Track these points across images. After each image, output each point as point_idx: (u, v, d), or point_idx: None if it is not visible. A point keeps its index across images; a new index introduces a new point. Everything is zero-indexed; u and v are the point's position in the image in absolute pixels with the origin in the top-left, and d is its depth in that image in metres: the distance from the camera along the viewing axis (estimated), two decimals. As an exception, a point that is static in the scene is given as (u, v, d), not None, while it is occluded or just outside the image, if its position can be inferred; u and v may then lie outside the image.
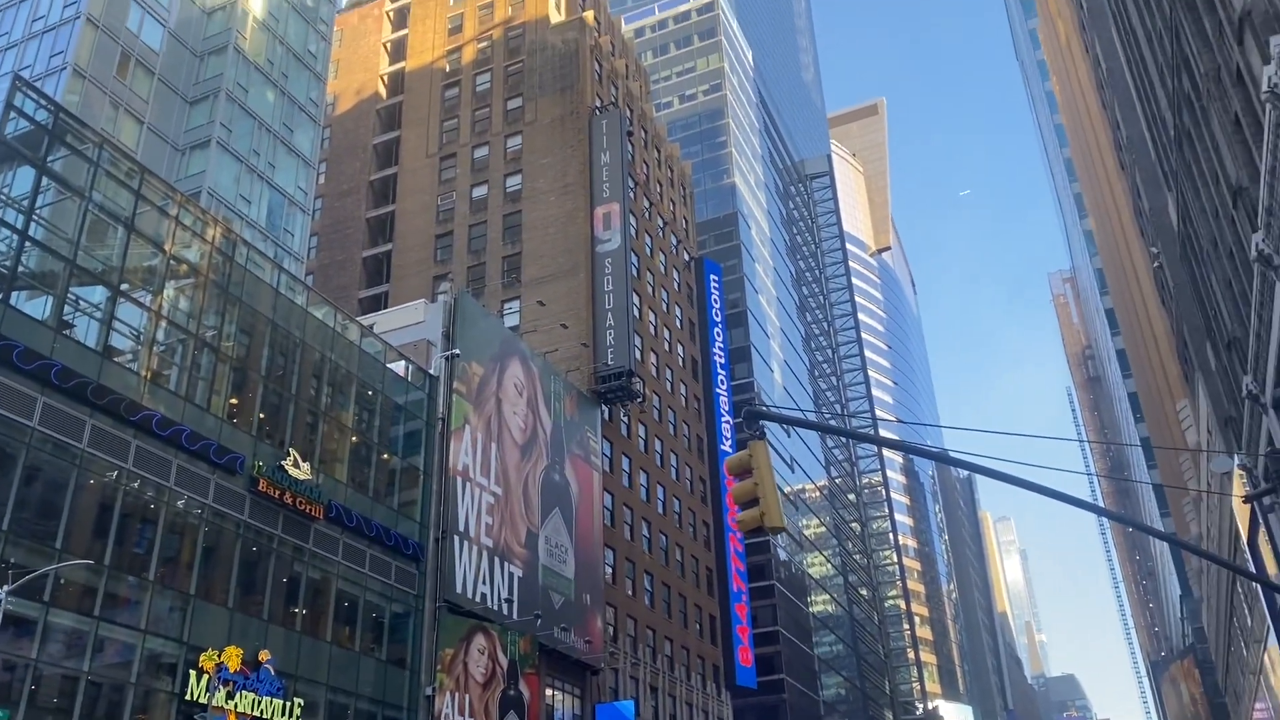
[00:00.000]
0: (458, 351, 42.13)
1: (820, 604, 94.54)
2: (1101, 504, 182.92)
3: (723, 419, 73.17)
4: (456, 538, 39.12)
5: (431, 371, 41.17)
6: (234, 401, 31.70)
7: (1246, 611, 36.32)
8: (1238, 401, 24.61)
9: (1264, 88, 14.63)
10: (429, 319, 43.70)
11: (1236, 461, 25.98)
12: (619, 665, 49.96)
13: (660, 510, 60.41)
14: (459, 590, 38.47)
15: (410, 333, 42.77)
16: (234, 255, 32.80)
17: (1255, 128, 16.48)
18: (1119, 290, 69.01)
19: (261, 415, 32.61)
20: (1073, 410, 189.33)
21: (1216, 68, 18.39)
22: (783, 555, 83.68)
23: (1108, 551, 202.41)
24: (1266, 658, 33.76)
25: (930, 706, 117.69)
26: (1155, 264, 35.32)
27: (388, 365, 39.33)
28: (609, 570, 52.00)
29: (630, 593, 54.01)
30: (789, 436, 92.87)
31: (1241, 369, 22.78)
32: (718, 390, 73.67)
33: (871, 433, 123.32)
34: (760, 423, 9.55)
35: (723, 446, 72.15)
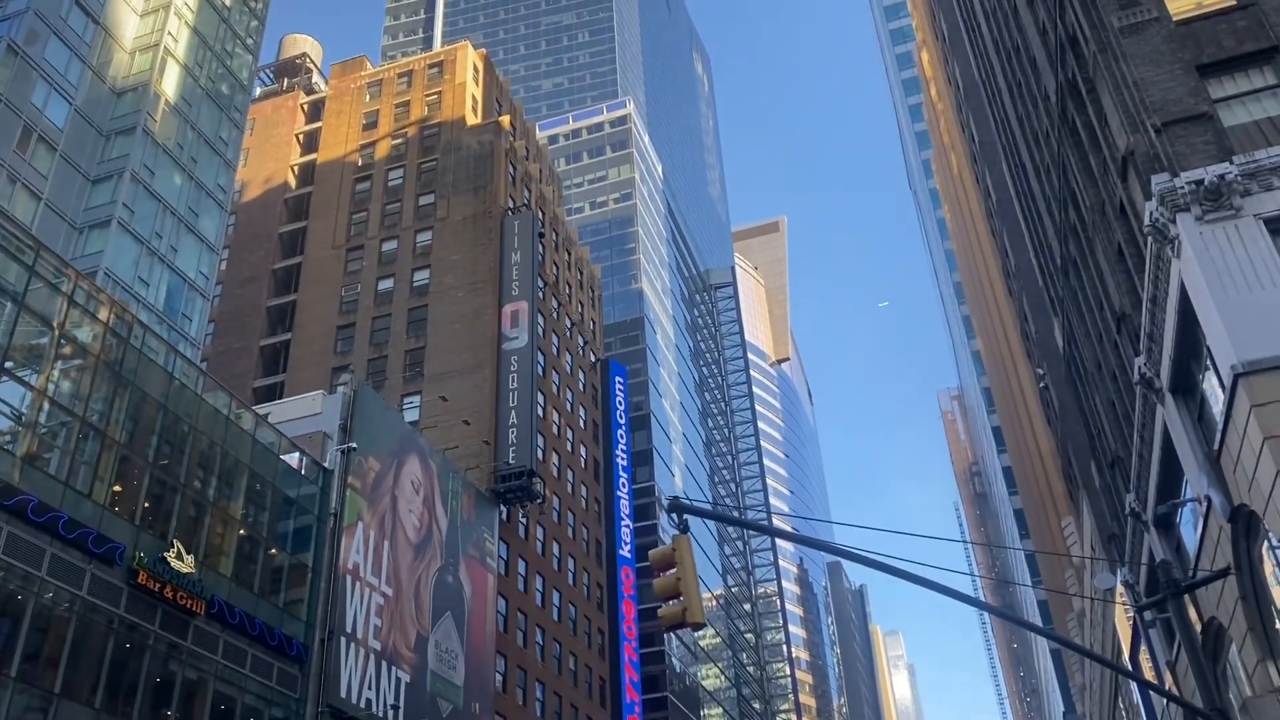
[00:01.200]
0: (354, 445, 41.21)
1: (713, 717, 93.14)
2: (989, 622, 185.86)
3: (622, 523, 72.72)
4: (343, 639, 37.63)
5: (326, 465, 40.11)
6: (117, 489, 30.29)
7: (1130, 728, 37.11)
8: (1120, 519, 25.62)
9: (1145, 221, 15.70)
10: (326, 410, 42.76)
11: (1119, 577, 26.88)
12: (506, 778, 48.15)
13: (555, 617, 59.25)
14: (344, 695, 36.83)
15: (306, 424, 41.72)
16: (128, 337, 31.78)
17: (1137, 258, 17.59)
18: (1005, 409, 71.65)
19: (146, 504, 31.20)
20: (960, 524, 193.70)
21: (1101, 201, 19.68)
22: (677, 666, 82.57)
23: (993, 668, 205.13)
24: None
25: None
26: (1041, 384, 36.98)
27: (281, 457, 38.21)
28: (499, 678, 50.50)
29: (521, 702, 52.44)
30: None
31: (1124, 487, 23.79)
32: (619, 493, 73.37)
33: (780, 528, 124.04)
34: (685, 517, 9.60)
35: (621, 551, 71.54)
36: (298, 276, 66.72)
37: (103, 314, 31.14)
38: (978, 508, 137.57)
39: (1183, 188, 15.03)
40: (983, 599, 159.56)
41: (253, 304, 66.05)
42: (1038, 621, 78.00)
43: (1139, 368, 18.33)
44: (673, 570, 8.86)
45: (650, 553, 9.33)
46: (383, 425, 44.68)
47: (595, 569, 67.76)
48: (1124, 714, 37.52)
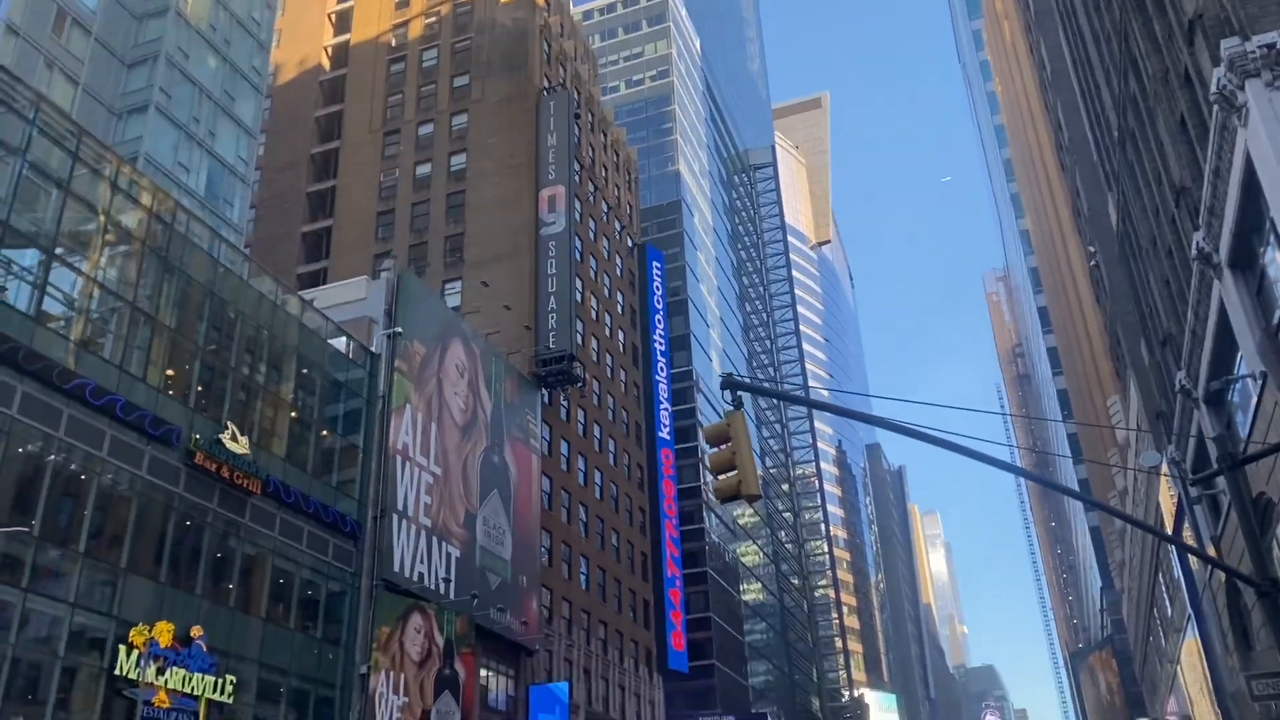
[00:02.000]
0: (399, 330, 41.62)
1: (752, 592, 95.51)
2: (1026, 502, 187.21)
3: (661, 406, 73.41)
4: (395, 516, 38.72)
5: (373, 349, 40.63)
6: (170, 373, 30.92)
7: (1167, 602, 37.53)
8: (1169, 397, 25.38)
9: (1212, 89, 15.06)
10: (371, 296, 43.10)
11: (1166, 455, 26.79)
12: (553, 647, 49.96)
13: (598, 495, 60.47)
14: (396, 569, 38.10)
15: (351, 309, 42.14)
16: (172, 223, 31.95)
17: (1200, 129, 16.95)
18: (1053, 289, 70.61)
19: (199, 388, 31.87)
20: (1002, 406, 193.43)
21: (1165, 70, 18.88)
22: (717, 543, 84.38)
23: (1031, 546, 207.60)
24: (1184, 649, 34.93)
25: (856, 694, 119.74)
26: (1092, 263, 36.23)
27: (328, 341, 38.70)
28: (545, 553, 51.92)
29: (566, 576, 54.01)
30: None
31: (1175, 365, 23.49)
32: (657, 378, 73.87)
33: (826, 402, 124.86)
34: (738, 394, 9.63)
35: (661, 434, 72.42)
36: (336, 161, 66.43)
37: (146, 199, 31.26)
38: (1020, 389, 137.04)
39: (1253, 52, 14.34)
40: (1023, 485, 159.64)
41: (293, 189, 66.05)
42: (1078, 504, 78.44)
43: (1197, 242, 17.86)
44: (727, 444, 8.94)
45: (704, 428, 9.41)
46: (426, 310, 44.99)
47: (635, 450, 68.75)
48: (1164, 589, 37.89)
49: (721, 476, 8.92)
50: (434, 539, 40.98)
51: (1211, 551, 23.91)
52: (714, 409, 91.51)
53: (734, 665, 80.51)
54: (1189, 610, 30.50)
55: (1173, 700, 43.40)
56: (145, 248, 30.69)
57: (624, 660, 58.56)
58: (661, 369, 74.73)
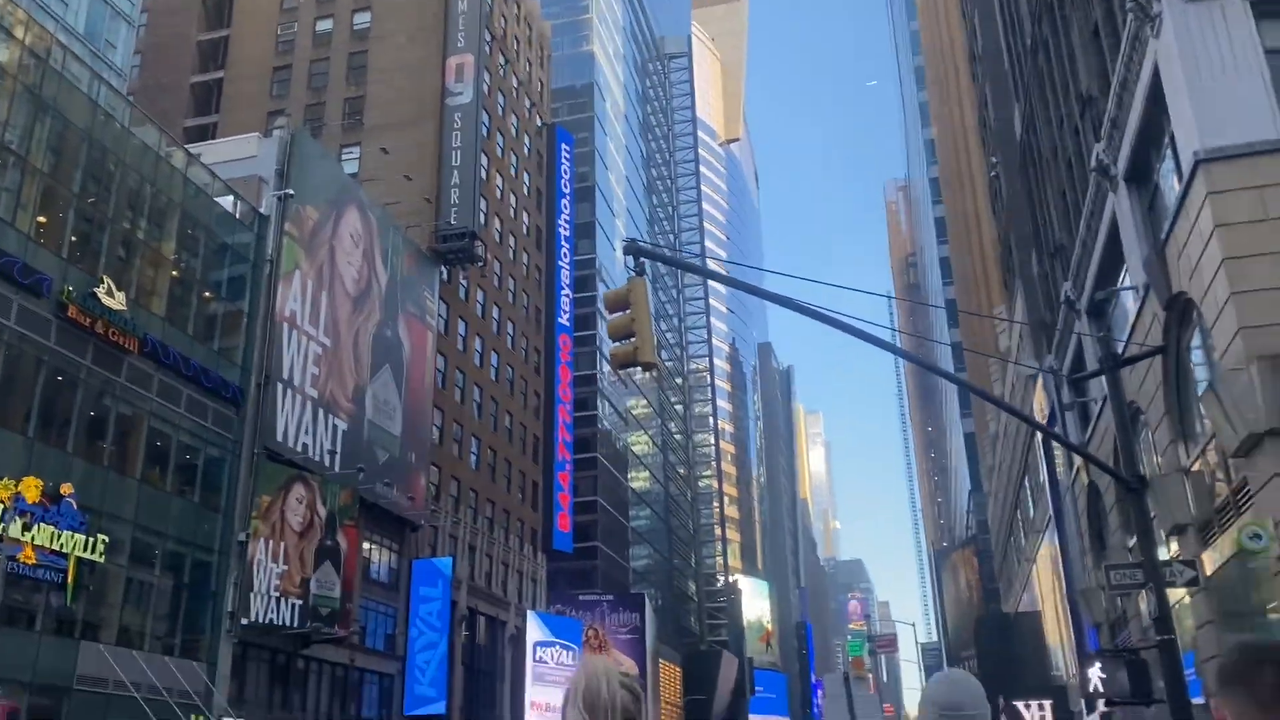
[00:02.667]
0: (291, 192, 39.99)
1: (640, 481, 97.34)
2: (906, 408, 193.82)
3: (562, 292, 73.00)
4: (280, 385, 37.85)
5: (262, 210, 39.01)
6: (42, 220, 29.18)
7: (1031, 505, 39.59)
8: (1054, 308, 26.23)
9: (1129, -2, 15.09)
10: (262, 154, 41.17)
11: (1046, 363, 27.83)
12: (439, 524, 50.20)
13: (493, 377, 60.21)
14: (279, 439, 37.43)
15: (241, 168, 40.17)
16: (48, 59, 29.73)
17: (1113, 39, 17.07)
18: (952, 200, 71.83)
19: (73, 238, 30.23)
20: (890, 314, 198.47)
21: (1084, -23, 18.87)
22: (608, 430, 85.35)
23: (907, 450, 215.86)
24: (1041, 549, 37.02)
25: (731, 580, 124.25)
26: (993, 173, 36.86)
27: (215, 200, 36.99)
28: (436, 431, 51.70)
29: (456, 455, 53.99)
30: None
31: (1063, 276, 24.19)
32: (560, 263, 73.24)
33: (722, 274, 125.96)
34: (641, 261, 9.44)
35: (560, 320, 72.19)
36: (230, 8, 62.59)
37: (19, 32, 28.95)
38: (909, 297, 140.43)
39: (1173, -37, 14.36)
40: (904, 386, 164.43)
41: (182, 36, 62.13)
42: (955, 407, 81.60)
43: (1097, 154, 18.17)
44: (627, 311, 8.79)
45: (605, 294, 9.21)
46: (321, 173, 43.31)
47: (534, 335, 68.46)
48: (1028, 493, 39.88)
49: (618, 343, 8.79)
50: (320, 411, 40.29)
51: (1078, 458, 25.11)
52: (633, 269, 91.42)
53: (617, 548, 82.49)
54: (1050, 513, 32.20)
55: (1025, 596, 46.19)
56: (18, 84, 28.54)
57: (509, 539, 59.31)
58: (565, 255, 74.06)
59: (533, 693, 57.66)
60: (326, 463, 39.89)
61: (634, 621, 75.35)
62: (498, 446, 59.74)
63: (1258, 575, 13.54)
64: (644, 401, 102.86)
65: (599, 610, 74.01)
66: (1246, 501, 13.12)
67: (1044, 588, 42.53)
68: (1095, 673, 9.11)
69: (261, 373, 37.06)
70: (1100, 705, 11.19)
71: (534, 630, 59.65)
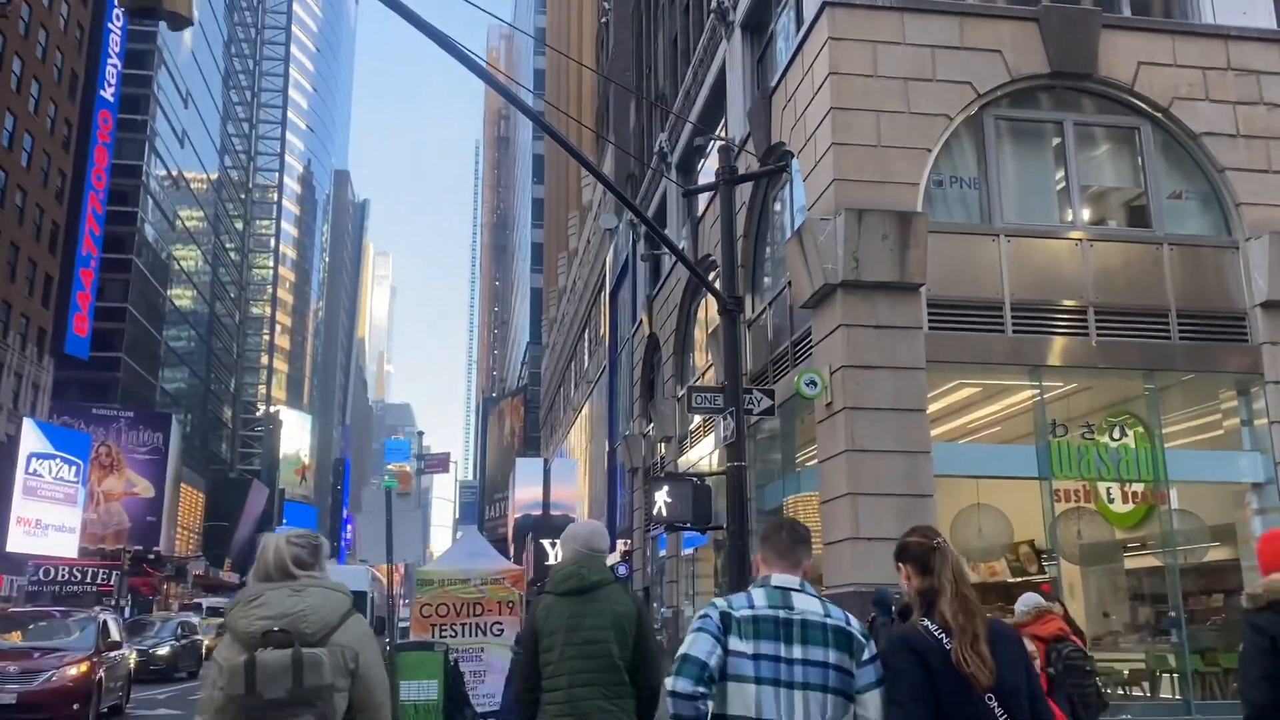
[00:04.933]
0: None
1: (184, 299, 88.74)
2: (478, 259, 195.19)
3: (109, 60, 62.84)
4: None
5: None
6: None
7: (587, 357, 40.86)
8: (644, 162, 26.28)
9: None
10: None
11: (626, 216, 28.02)
12: (-87, 304, 41.58)
13: (5, 143, 50.44)
14: None
15: None
16: None
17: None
18: (554, 51, 71.07)
19: None
20: (477, 163, 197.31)
21: None
22: (151, 236, 76.22)
23: (472, 300, 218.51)
24: (589, 399, 38.45)
25: (273, 410, 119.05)
26: (604, 19, 36.24)
27: None
28: (-81, 193, 42.40)
29: (-55, 226, 44.83)
30: (185, 108, 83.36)
31: (660, 129, 24.13)
32: (109, 25, 62.72)
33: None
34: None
35: (103, 93, 62.24)
36: None
37: None
38: (498, 150, 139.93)
39: None
40: (480, 237, 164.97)
41: None
42: (527, 265, 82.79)
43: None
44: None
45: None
46: None
47: (66, 104, 58.32)
48: (587, 345, 41.07)
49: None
50: None
51: (644, 314, 25.66)
52: (178, 86, 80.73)
53: (145, 364, 74.81)
54: (605, 363, 33.24)
55: (565, 443, 48.30)
56: None
57: (9, 335, 50.98)
58: (118, 18, 63.43)
59: (21, 508, 50.86)
60: None
61: (156, 442, 69.19)
62: (4, 227, 50.57)
63: (800, 421, 14.22)
64: (199, 213, 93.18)
65: (116, 426, 66.96)
66: (805, 352, 13.58)
67: (576, 435, 44.63)
68: (662, 496, 8.77)
69: None
70: (661, 530, 11.17)
71: (30, 440, 52.31)
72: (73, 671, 13.56)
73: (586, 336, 40.77)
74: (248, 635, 3.15)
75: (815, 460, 12.75)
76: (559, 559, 4.60)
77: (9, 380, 50.92)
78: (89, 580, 56.27)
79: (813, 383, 12.05)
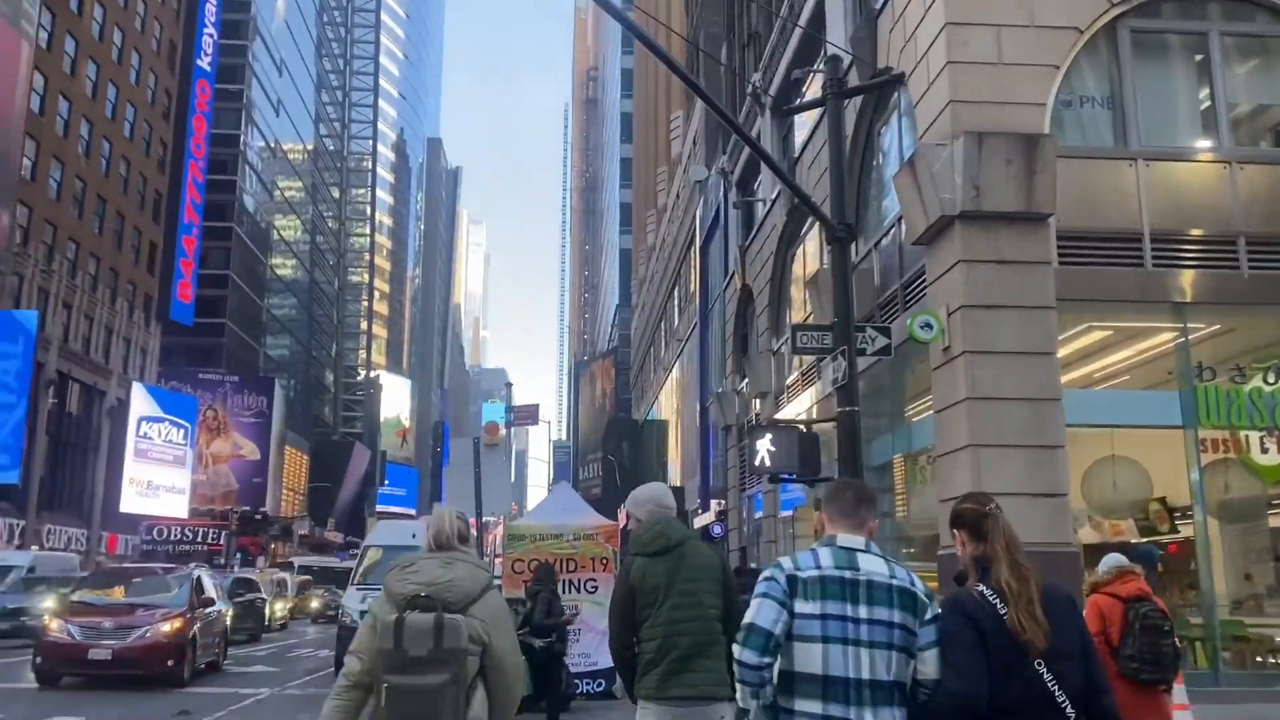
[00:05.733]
0: None
1: (286, 269, 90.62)
2: (568, 225, 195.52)
3: (205, 30, 63.91)
4: None
5: None
6: None
7: (677, 315, 40.03)
8: (736, 106, 25.20)
9: None
10: None
11: (719, 164, 27.02)
12: (25, 272, 42.89)
13: (109, 113, 51.60)
14: None
15: None
16: None
17: None
18: (644, 5, 69.76)
19: None
20: (565, 127, 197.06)
21: None
22: (252, 205, 77.74)
23: (563, 265, 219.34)
24: (681, 358, 37.67)
25: (372, 375, 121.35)
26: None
27: None
28: (28, 164, 43.58)
29: (54, 197, 46.11)
30: (280, 77, 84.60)
31: (754, 67, 23.03)
32: (205, -4, 63.72)
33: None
34: None
35: (200, 62, 63.40)
36: None
37: None
38: (586, 112, 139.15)
39: None
40: (570, 192, 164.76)
41: None
42: (616, 223, 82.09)
43: (817, -78, 16.60)
44: None
45: None
46: None
47: (165, 74, 59.46)
48: (677, 302, 40.25)
49: None
50: None
51: (736, 266, 24.70)
52: (272, 55, 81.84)
53: (249, 330, 76.61)
54: (696, 319, 32.39)
55: (656, 405, 47.70)
56: None
57: (116, 301, 52.44)
58: (213, -12, 64.44)
59: (133, 469, 52.59)
60: None
61: (260, 405, 70.97)
62: (110, 196, 51.88)
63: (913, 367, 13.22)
64: (298, 183, 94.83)
65: (221, 391, 68.85)
66: (918, 293, 12.57)
67: (668, 395, 43.95)
68: (765, 445, 7.90)
69: None
70: (764, 481, 10.29)
71: (140, 404, 53.97)
72: (166, 628, 13.48)
73: (676, 294, 39.92)
74: (399, 596, 3.58)
75: (930, 411, 11.77)
76: (632, 524, 4.74)
77: (118, 346, 52.46)
78: (199, 540, 58.28)
79: (927, 325, 11.05)
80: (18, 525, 41.49)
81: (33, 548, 40.23)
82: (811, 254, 18.35)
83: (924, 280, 12.27)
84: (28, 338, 40.05)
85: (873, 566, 3.19)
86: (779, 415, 20.24)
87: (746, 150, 24.15)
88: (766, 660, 3.10)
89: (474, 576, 3.68)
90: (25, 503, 42.09)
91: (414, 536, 17.92)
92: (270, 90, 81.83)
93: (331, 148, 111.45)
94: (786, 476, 8.56)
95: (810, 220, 17.91)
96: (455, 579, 3.61)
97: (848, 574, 3.16)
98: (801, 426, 8.49)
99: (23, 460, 40.05)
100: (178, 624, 13.61)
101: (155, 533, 55.85)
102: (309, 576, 45.04)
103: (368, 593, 16.11)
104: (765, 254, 21.24)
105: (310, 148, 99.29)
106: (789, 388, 19.46)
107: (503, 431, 15.11)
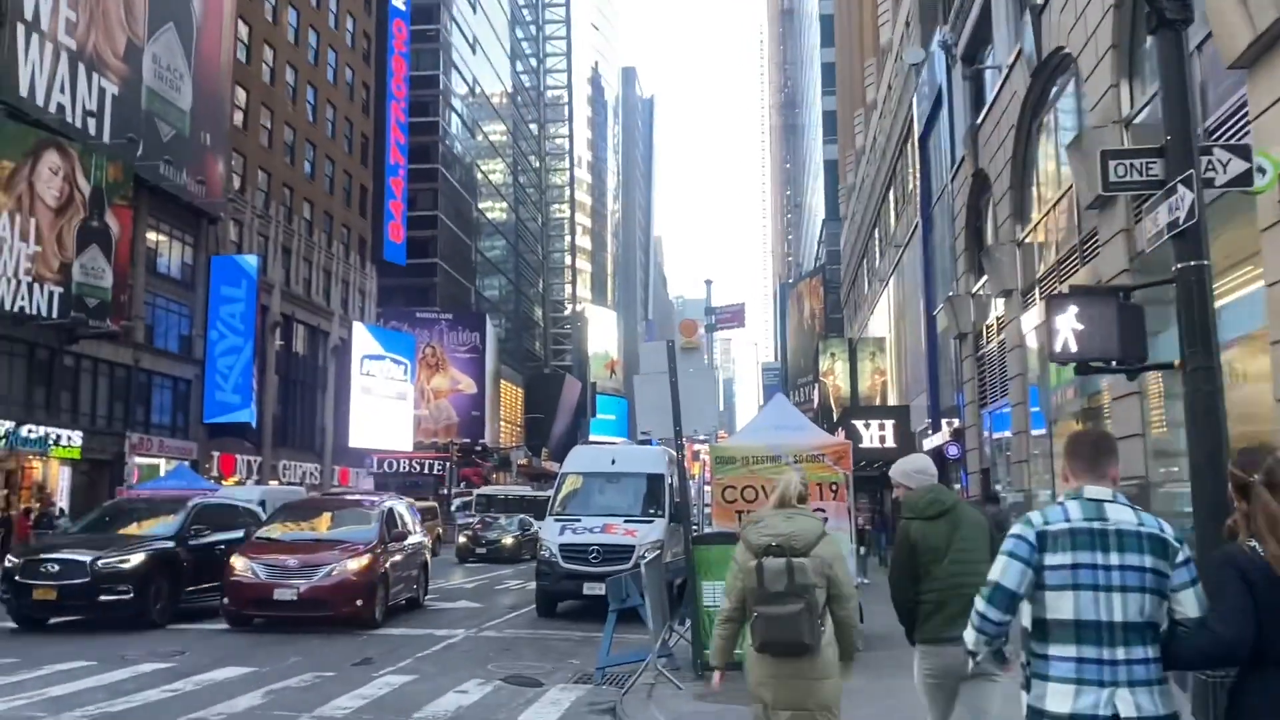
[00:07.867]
0: None
1: (494, 211, 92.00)
2: (767, 139, 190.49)
3: (399, -28, 64.17)
4: (21, 27, 30.55)
5: None
6: None
7: (893, 220, 36.82)
8: (957, -32, 21.91)
9: None
10: None
11: (938, 38, 23.79)
12: (244, 218, 44.43)
13: (311, 59, 52.64)
14: (24, 94, 30.61)
15: None
16: None
17: None
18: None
19: None
20: (761, 45, 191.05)
21: None
22: (456, 147, 78.78)
23: (763, 187, 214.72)
24: (900, 264, 34.58)
25: (579, 309, 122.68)
26: None
27: None
28: (240, 113, 44.90)
29: (266, 144, 47.47)
30: (474, 13, 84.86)
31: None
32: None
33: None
34: None
35: (395, 2, 63.81)
36: None
37: None
38: (782, 24, 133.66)
39: None
40: (769, 109, 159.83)
41: None
42: (819, 135, 78.14)
43: None
44: None
45: None
46: None
47: (363, 15, 60.23)
48: (892, 206, 37.01)
49: None
50: (81, 66, 33.21)
51: (966, 150, 21.63)
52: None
53: (460, 269, 78.17)
54: (917, 220, 29.32)
55: (872, 322, 44.66)
56: None
57: (332, 245, 54.03)
58: (403, -73, 64.59)
59: (359, 405, 54.53)
60: (89, 129, 33.33)
61: (474, 341, 72.45)
62: (318, 141, 53.17)
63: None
64: (500, 126, 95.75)
65: (437, 329, 70.61)
66: (1234, 133, 9.68)
67: (882, 312, 40.85)
68: (1068, 322, 5.50)
69: (-7, 8, 29.66)
70: (1069, 370, 7.83)
71: (362, 343, 55.76)
72: (353, 565, 12.53)
73: (891, 197, 36.63)
74: (757, 546, 4.72)
75: (1259, 284, 8.99)
76: (897, 493, 5.26)
77: (338, 288, 54.16)
78: (424, 472, 60.33)
79: (1260, 170, 8.23)
80: (255, 461, 43.56)
81: (271, 482, 42.18)
82: (1067, 117, 15.24)
83: (1240, 118, 9.39)
84: (250, 282, 41.48)
85: (1121, 515, 3.21)
86: (1024, 317, 17.44)
87: (973, 15, 20.91)
88: (1008, 618, 3.22)
89: (811, 527, 4.76)
90: (261, 440, 44.13)
91: (613, 463, 16.44)
92: (466, 29, 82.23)
93: (528, 84, 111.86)
94: (1102, 364, 6.21)
95: (1064, 76, 14.85)
96: (797, 530, 4.70)
97: (1096, 524, 3.18)
98: (1120, 293, 6.07)
99: (255, 399, 41.77)
100: (365, 561, 12.66)
101: (386, 465, 58.28)
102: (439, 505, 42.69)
103: (567, 524, 14.77)
104: (1003, 130, 18.18)
105: (509, 89, 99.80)
106: (1040, 283, 16.60)
107: (701, 330, 13.15)
